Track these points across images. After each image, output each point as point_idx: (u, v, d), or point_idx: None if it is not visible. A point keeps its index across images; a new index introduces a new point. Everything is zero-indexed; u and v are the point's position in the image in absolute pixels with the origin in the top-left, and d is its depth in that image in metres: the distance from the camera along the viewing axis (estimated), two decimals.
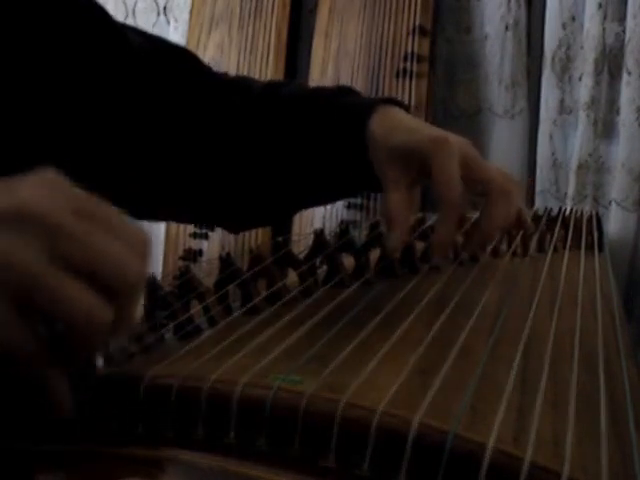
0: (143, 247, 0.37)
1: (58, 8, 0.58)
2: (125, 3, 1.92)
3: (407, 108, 0.64)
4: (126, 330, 0.38)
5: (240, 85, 0.71)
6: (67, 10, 0.59)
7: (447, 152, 0.55)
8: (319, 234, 0.63)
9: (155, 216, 0.76)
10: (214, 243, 1.76)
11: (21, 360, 0.35)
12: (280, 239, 0.61)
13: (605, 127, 1.46)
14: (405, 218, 0.58)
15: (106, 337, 0.37)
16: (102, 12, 0.62)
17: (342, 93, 0.67)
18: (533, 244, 0.80)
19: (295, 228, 1.65)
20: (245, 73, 1.74)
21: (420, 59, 1.58)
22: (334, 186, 0.69)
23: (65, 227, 0.35)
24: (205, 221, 0.82)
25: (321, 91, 0.69)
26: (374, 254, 0.65)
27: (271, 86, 0.70)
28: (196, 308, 0.52)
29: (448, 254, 0.64)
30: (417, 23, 1.59)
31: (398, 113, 0.62)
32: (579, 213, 1.05)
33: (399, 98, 1.68)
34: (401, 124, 0.60)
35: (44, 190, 0.36)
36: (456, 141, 0.57)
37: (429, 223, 0.76)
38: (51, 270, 0.34)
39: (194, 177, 0.67)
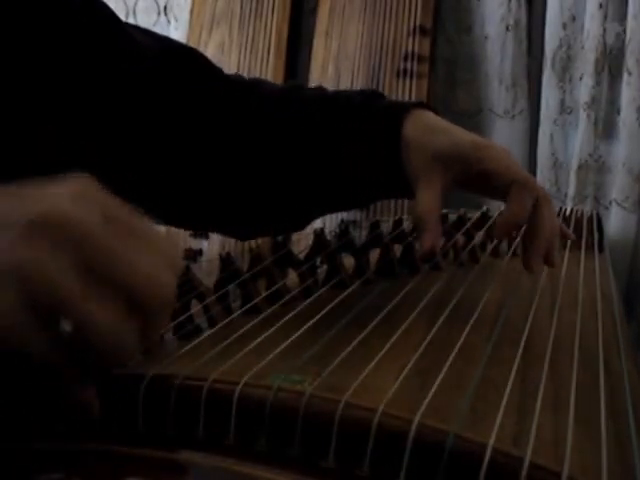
0: (173, 260, 0.36)
1: (62, 7, 0.58)
2: (125, 2, 1.92)
3: (437, 111, 0.63)
4: (151, 345, 0.36)
5: (255, 87, 0.68)
6: (73, 10, 0.58)
7: (528, 191, 0.56)
8: (319, 234, 0.63)
9: (168, 221, 0.73)
10: (214, 243, 1.76)
11: (37, 361, 0.33)
12: (280, 239, 0.61)
13: (605, 127, 1.46)
14: (437, 221, 0.57)
15: (128, 357, 0.35)
16: (108, 12, 0.61)
17: (373, 97, 0.65)
18: None
19: None
20: (245, 73, 1.74)
21: (420, 59, 1.58)
22: (364, 191, 0.66)
23: (94, 238, 0.33)
24: (215, 227, 0.79)
25: (348, 94, 0.67)
26: (374, 254, 0.65)
27: (292, 89, 0.68)
28: (196, 308, 0.52)
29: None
30: (417, 23, 1.59)
31: (431, 116, 0.61)
32: (579, 213, 1.05)
33: (399, 98, 1.67)
34: (438, 127, 0.60)
35: (74, 196, 0.34)
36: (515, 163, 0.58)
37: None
38: (78, 288, 0.32)
39: (207, 181, 0.65)
